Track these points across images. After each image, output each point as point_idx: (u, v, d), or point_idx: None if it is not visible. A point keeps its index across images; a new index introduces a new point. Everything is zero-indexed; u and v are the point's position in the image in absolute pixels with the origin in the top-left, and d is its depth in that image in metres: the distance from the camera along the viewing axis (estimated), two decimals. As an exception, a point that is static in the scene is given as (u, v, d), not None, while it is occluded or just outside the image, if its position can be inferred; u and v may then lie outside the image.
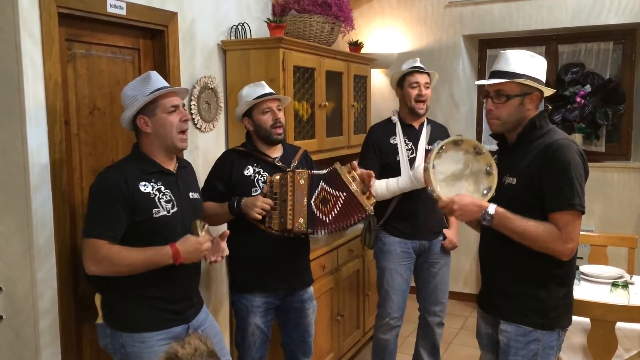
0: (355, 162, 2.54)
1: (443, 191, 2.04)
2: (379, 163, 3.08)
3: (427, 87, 3.12)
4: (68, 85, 2.33)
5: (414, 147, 3.11)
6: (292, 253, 2.62)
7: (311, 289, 2.75)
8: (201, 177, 2.75)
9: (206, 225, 2.13)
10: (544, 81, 2.09)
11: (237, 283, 2.66)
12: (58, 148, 2.19)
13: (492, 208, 1.99)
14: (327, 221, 2.46)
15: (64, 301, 2.22)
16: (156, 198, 2.03)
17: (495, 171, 2.08)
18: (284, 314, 2.70)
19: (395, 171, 3.04)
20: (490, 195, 2.05)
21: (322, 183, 2.50)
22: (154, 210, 2.01)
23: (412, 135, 3.14)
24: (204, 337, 1.38)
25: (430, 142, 3.15)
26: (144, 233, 2.00)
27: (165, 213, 2.04)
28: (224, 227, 2.68)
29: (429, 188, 2.05)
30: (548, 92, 2.10)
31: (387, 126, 3.18)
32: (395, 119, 3.17)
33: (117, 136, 2.57)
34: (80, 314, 2.34)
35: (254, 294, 2.59)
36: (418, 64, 3.16)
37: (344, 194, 2.45)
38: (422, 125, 3.19)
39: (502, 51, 2.11)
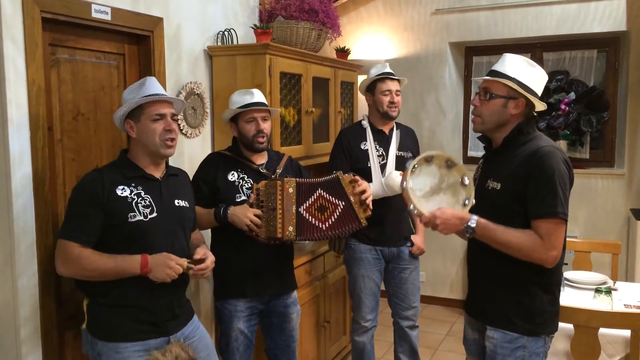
0: (358, 176, 2.57)
1: (424, 207, 2.05)
2: (349, 167, 3.08)
3: (398, 94, 3.14)
4: (51, 91, 2.30)
5: (384, 153, 3.13)
6: (275, 258, 2.61)
7: (295, 293, 2.74)
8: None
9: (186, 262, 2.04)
10: (539, 94, 2.08)
11: (221, 289, 2.64)
12: (41, 154, 2.17)
13: (473, 220, 2.00)
14: (324, 228, 2.48)
15: (45, 309, 2.19)
16: (133, 202, 2.00)
17: (470, 181, 2.11)
18: (268, 318, 2.69)
19: (365, 177, 3.01)
20: (470, 205, 2.06)
21: (319, 190, 2.51)
22: (130, 214, 1.98)
23: (383, 141, 3.15)
24: (186, 346, 1.37)
25: (400, 147, 3.18)
26: (120, 238, 1.98)
27: (141, 218, 2.00)
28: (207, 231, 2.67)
29: (410, 206, 2.06)
30: (537, 103, 2.08)
31: (357, 131, 3.18)
32: (365, 123, 3.18)
33: (102, 142, 2.55)
34: (63, 321, 2.31)
35: (238, 299, 2.58)
36: (388, 69, 3.17)
37: (343, 203, 2.49)
38: (391, 130, 3.21)
39: (505, 53, 2.12)
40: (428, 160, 2.12)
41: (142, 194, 2.04)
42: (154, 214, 2.04)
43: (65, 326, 2.34)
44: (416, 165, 2.09)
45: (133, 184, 2.03)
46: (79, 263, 1.93)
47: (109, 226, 1.97)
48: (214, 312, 2.81)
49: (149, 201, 2.04)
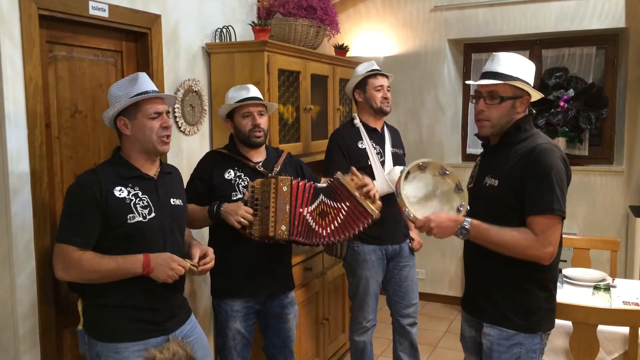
0: (354, 168, 2.51)
1: (418, 212, 2.06)
2: (349, 167, 3.06)
3: (389, 90, 3.15)
4: (49, 88, 2.30)
5: (382, 151, 3.12)
6: (273, 258, 2.60)
7: (292, 293, 2.73)
8: (185, 180, 2.73)
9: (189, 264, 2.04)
10: (532, 85, 2.10)
11: (217, 288, 2.63)
12: (38, 151, 2.16)
13: (467, 222, 2.01)
14: (324, 234, 2.44)
15: (43, 306, 2.19)
16: (132, 203, 1.97)
17: (465, 187, 2.12)
18: (265, 318, 2.68)
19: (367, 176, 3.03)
20: (464, 211, 2.07)
21: (321, 196, 2.49)
22: (129, 215, 1.96)
23: (378, 139, 3.15)
24: (184, 343, 1.38)
25: (393, 144, 3.19)
26: (119, 239, 1.95)
27: (140, 219, 1.98)
28: (205, 231, 2.67)
29: (404, 210, 2.06)
30: (538, 95, 2.10)
31: (351, 130, 3.15)
32: (358, 122, 3.15)
33: (99, 139, 2.55)
34: (61, 319, 2.31)
35: (234, 299, 2.57)
36: (376, 66, 3.17)
37: (347, 203, 2.43)
38: (383, 127, 3.21)
39: (494, 53, 2.11)
40: (422, 167, 2.13)
41: (140, 194, 2.01)
42: (153, 214, 2.02)
43: (63, 324, 2.33)
44: (410, 172, 2.09)
45: (130, 185, 2.00)
46: (80, 267, 1.89)
47: (108, 228, 1.94)
48: (212, 311, 2.81)
49: (147, 201, 2.01)
